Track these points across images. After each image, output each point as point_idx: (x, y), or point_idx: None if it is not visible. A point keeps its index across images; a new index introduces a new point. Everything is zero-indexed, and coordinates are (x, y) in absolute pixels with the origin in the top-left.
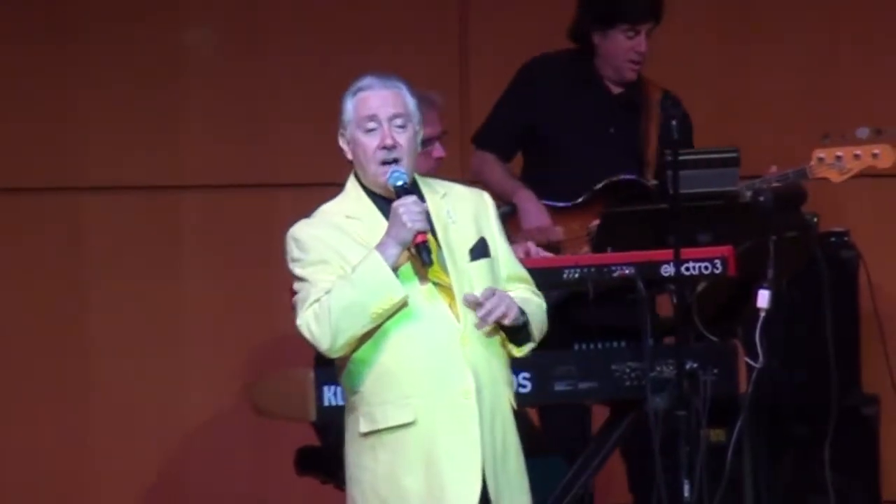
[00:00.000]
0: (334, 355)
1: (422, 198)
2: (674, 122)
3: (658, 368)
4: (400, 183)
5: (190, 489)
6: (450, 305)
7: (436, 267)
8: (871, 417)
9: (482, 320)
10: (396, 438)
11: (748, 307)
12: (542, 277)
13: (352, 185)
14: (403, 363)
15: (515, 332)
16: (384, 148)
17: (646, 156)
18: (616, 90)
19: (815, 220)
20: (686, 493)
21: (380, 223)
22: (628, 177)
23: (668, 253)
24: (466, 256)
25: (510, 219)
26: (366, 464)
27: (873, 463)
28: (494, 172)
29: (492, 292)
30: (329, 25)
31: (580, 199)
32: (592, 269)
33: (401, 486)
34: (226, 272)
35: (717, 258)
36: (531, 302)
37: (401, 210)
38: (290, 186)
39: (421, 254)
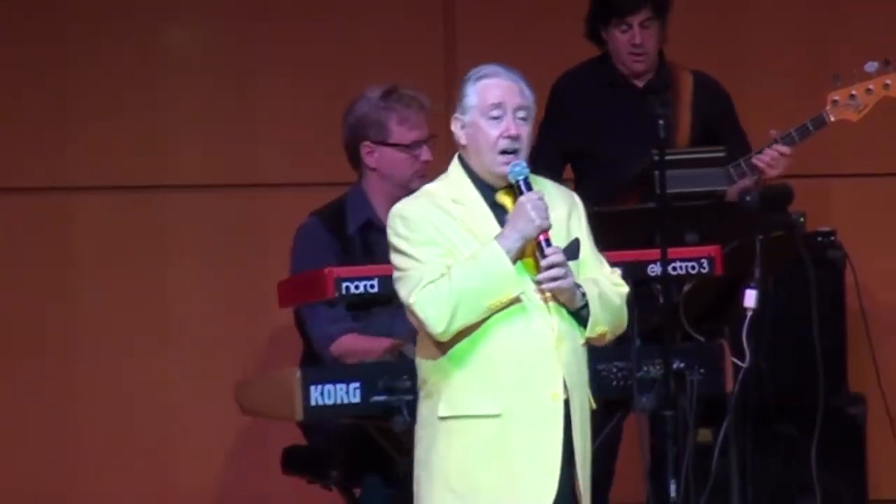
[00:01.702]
0: (443, 339)
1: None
2: (661, 122)
3: (645, 368)
4: (522, 177)
5: (177, 489)
6: (546, 304)
7: (531, 264)
8: (858, 417)
9: (539, 281)
10: (476, 428)
11: (735, 307)
12: None
13: (455, 169)
14: (498, 356)
15: (576, 312)
16: (508, 137)
17: (676, 140)
18: (640, 83)
19: (802, 219)
20: (673, 493)
21: (483, 211)
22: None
23: (655, 252)
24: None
25: None
26: (439, 448)
27: (860, 462)
28: None
29: (561, 260)
30: (315, 28)
31: (612, 193)
32: None
33: (472, 477)
34: (212, 272)
35: (703, 258)
36: (601, 284)
37: (529, 205)
38: (275, 187)
39: (543, 250)
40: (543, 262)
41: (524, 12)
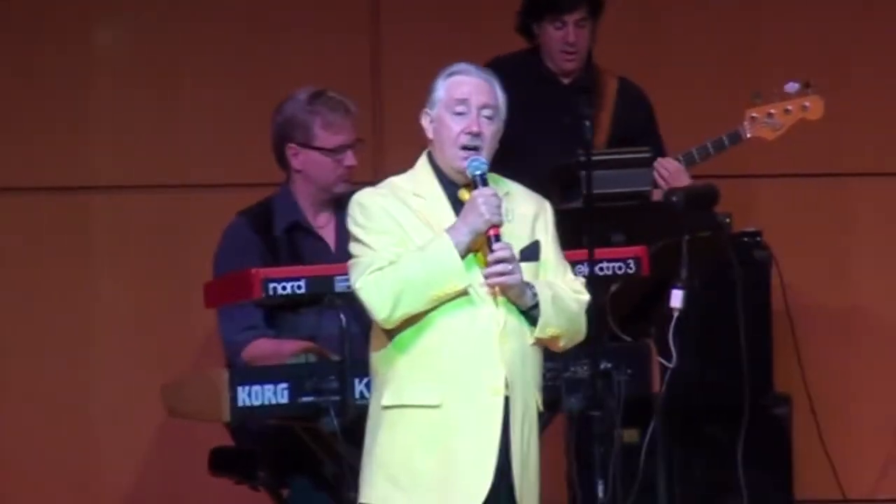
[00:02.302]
0: (387, 326)
1: None
2: (587, 123)
3: (572, 369)
4: (479, 172)
5: (102, 491)
6: (494, 299)
7: (483, 261)
8: (784, 417)
9: (486, 276)
10: (417, 418)
11: (661, 307)
12: None
13: (422, 163)
14: (441, 348)
15: (527, 311)
16: (469, 133)
17: (593, 142)
18: (566, 80)
19: (728, 220)
20: (600, 494)
21: (444, 205)
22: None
23: (582, 253)
24: (518, 256)
25: None
26: (381, 437)
27: (786, 462)
28: None
29: (508, 256)
30: (243, 29)
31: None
32: None
33: (411, 467)
34: (138, 273)
35: (630, 258)
36: (556, 287)
37: (480, 200)
38: (202, 187)
39: (491, 245)
40: (491, 257)
41: (450, 16)
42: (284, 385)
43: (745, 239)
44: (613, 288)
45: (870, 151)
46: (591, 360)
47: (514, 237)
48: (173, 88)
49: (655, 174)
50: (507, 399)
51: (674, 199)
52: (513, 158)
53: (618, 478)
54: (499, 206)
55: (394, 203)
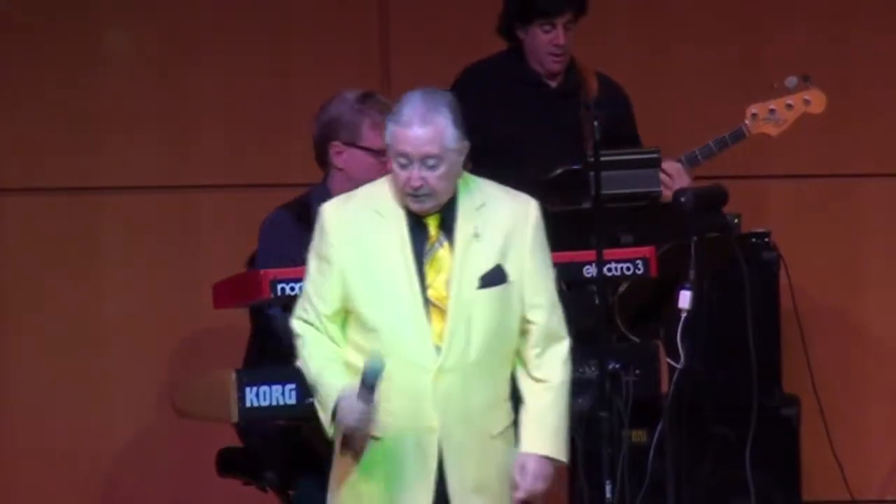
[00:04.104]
0: None
1: (454, 211)
2: (596, 124)
3: (580, 369)
4: (370, 382)
5: (110, 491)
6: (440, 332)
7: (440, 288)
8: (792, 418)
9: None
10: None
11: (670, 308)
12: None
13: (389, 182)
14: (383, 382)
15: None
16: (411, 187)
17: (585, 147)
18: (553, 83)
19: (737, 220)
20: (608, 494)
21: (401, 227)
22: (566, 168)
23: (590, 254)
24: (476, 283)
25: None
26: (336, 462)
27: (794, 463)
28: None
29: (522, 472)
30: (250, 27)
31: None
32: None
33: (360, 496)
34: (147, 274)
35: (638, 259)
36: (545, 420)
37: (342, 404)
38: (212, 188)
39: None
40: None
41: (459, 10)
42: (292, 386)
43: (754, 240)
44: (622, 288)
45: (878, 152)
46: (599, 360)
47: (480, 258)
48: (182, 89)
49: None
50: (442, 434)
51: (682, 199)
52: (505, 161)
53: (626, 478)
54: (359, 418)
55: (351, 220)
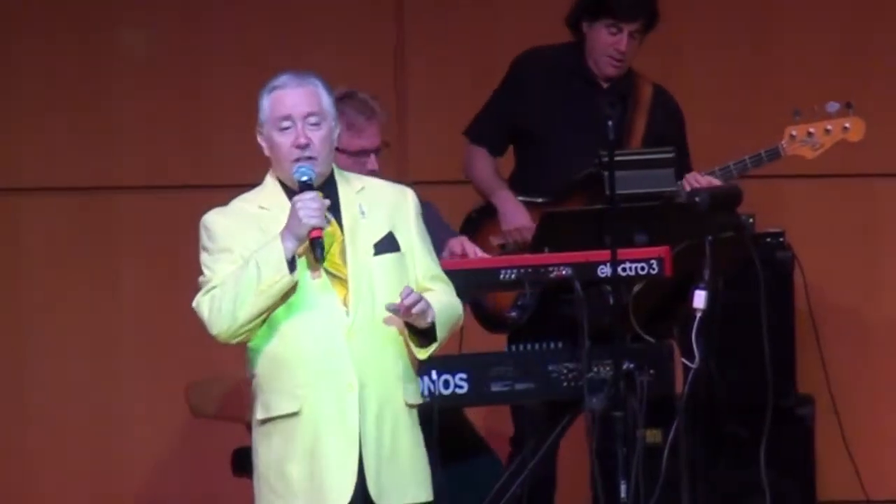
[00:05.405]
0: (228, 339)
1: (335, 192)
2: (610, 123)
3: (595, 369)
4: (305, 178)
5: (125, 489)
6: (343, 298)
7: (335, 258)
8: (807, 417)
9: (399, 309)
10: (285, 427)
11: (684, 308)
12: (479, 278)
13: (270, 178)
14: (292, 353)
15: (422, 333)
16: (297, 147)
17: (629, 147)
18: (605, 84)
19: (751, 220)
20: (623, 494)
21: (287, 212)
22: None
23: (605, 253)
24: (371, 250)
25: (487, 219)
26: (260, 450)
27: (809, 463)
28: (480, 169)
29: (410, 290)
30: (264, 28)
31: (558, 194)
32: (529, 270)
33: (285, 474)
34: (162, 273)
35: (653, 259)
36: (443, 303)
37: (298, 205)
38: (227, 187)
39: (314, 249)
40: (397, 306)
41: (473, 9)
42: None
43: (768, 239)
44: (636, 288)
45: (893, 152)
46: (613, 360)
47: (369, 231)
48: (198, 90)
49: (687, 186)
50: (361, 395)
51: (697, 199)
52: (542, 151)
53: (640, 478)
54: (318, 209)
55: (238, 220)
